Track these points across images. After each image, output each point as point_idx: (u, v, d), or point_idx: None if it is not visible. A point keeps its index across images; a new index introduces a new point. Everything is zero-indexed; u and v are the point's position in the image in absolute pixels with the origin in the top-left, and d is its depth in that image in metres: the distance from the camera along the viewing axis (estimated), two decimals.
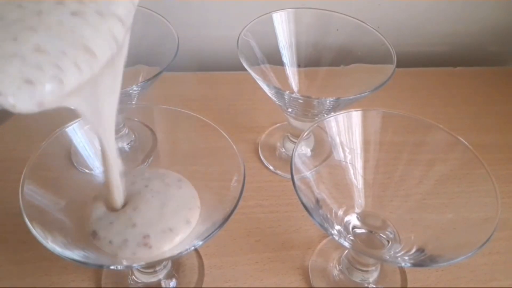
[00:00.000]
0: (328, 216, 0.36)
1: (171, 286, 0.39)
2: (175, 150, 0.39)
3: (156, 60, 0.43)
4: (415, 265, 0.31)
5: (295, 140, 0.50)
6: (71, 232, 0.31)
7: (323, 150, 0.45)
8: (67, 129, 0.34)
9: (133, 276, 0.38)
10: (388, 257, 0.36)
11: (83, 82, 0.22)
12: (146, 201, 0.33)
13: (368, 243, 0.38)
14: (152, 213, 0.32)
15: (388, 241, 0.37)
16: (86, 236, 0.32)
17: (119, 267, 0.28)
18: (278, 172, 0.49)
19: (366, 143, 0.38)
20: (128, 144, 0.48)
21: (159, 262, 0.31)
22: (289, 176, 0.34)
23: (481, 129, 0.57)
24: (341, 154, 0.39)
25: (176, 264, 0.40)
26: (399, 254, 0.35)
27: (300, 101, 0.42)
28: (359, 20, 0.46)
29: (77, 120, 0.35)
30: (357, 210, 0.39)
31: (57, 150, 0.34)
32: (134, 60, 0.46)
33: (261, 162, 0.50)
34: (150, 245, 0.30)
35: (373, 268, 0.39)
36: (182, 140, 0.38)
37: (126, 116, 0.39)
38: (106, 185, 0.31)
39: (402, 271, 0.41)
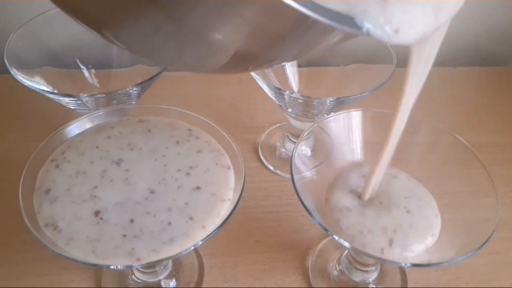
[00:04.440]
0: None
1: (171, 286, 0.39)
2: None
3: None
4: (415, 265, 0.31)
5: (295, 140, 0.50)
6: None
7: (323, 150, 0.45)
8: (66, 129, 0.34)
9: (133, 276, 0.38)
10: (388, 257, 0.36)
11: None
12: None
13: None
14: None
15: None
16: None
17: (119, 267, 0.28)
18: (278, 172, 0.49)
19: (366, 143, 0.38)
20: None
21: (159, 261, 0.31)
22: (289, 176, 0.34)
23: (481, 129, 0.57)
24: (341, 154, 0.39)
25: (176, 264, 0.40)
26: None
27: (300, 101, 0.42)
28: None
29: (77, 120, 0.35)
30: None
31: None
32: (134, 60, 0.46)
33: (261, 162, 0.50)
34: None
35: (373, 268, 0.39)
36: None
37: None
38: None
39: (402, 271, 0.41)
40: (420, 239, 0.33)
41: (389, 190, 0.36)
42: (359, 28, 0.17)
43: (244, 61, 0.23)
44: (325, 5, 0.16)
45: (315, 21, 0.15)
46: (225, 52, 0.22)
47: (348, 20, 0.17)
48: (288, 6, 0.15)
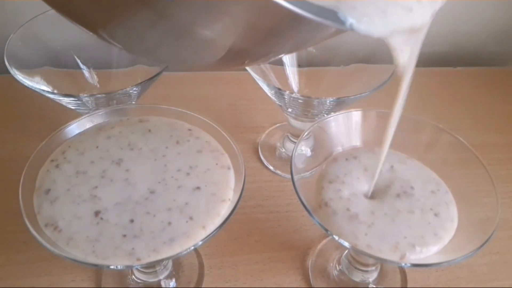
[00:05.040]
0: None
1: (171, 286, 0.39)
2: None
3: None
4: (415, 265, 0.31)
5: (295, 140, 0.50)
6: None
7: (323, 150, 0.45)
8: (66, 129, 0.34)
9: (133, 276, 0.38)
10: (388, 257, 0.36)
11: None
12: None
13: None
14: None
15: None
16: None
17: (119, 267, 0.28)
18: (278, 172, 0.49)
19: (366, 143, 0.38)
20: None
21: (159, 261, 0.31)
22: (289, 176, 0.33)
23: (481, 129, 0.57)
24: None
25: (176, 264, 0.40)
26: None
27: (300, 101, 0.42)
28: None
29: (77, 120, 0.35)
30: None
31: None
32: (134, 60, 0.46)
33: (261, 162, 0.50)
34: None
35: (373, 268, 0.39)
36: None
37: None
38: None
39: (402, 271, 0.41)
40: (439, 244, 0.30)
41: (403, 177, 0.31)
42: (342, 22, 0.17)
43: (239, 55, 0.23)
44: None
45: (300, 16, 0.15)
46: (219, 46, 0.22)
47: (330, 14, 0.17)
48: (269, 1, 0.15)
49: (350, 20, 0.17)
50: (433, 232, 0.30)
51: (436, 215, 0.31)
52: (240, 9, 0.18)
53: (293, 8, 0.15)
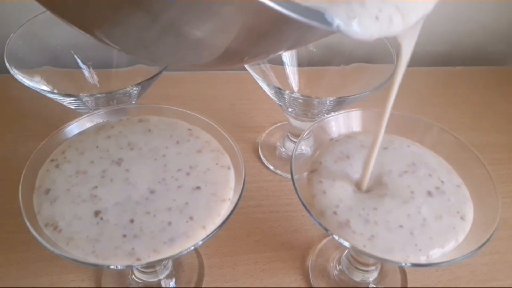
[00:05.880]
0: None
1: (171, 286, 0.39)
2: None
3: None
4: (415, 265, 0.31)
5: (295, 140, 0.50)
6: None
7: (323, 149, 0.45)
8: (66, 129, 0.34)
9: (133, 276, 0.38)
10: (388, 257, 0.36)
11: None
12: None
13: None
14: None
15: None
16: None
17: (119, 267, 0.28)
18: (278, 172, 0.49)
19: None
20: None
21: (159, 261, 0.31)
22: (289, 176, 0.33)
23: (481, 129, 0.57)
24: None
25: (176, 264, 0.40)
26: None
27: (300, 100, 0.42)
28: None
29: (77, 120, 0.35)
30: None
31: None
32: (134, 60, 0.46)
33: (261, 162, 0.50)
34: None
35: (373, 267, 0.39)
36: None
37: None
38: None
39: (402, 270, 0.41)
40: (453, 246, 0.26)
41: (427, 162, 0.27)
42: (329, 24, 0.17)
43: (237, 53, 0.24)
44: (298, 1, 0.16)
45: (288, 17, 0.15)
46: (214, 46, 0.22)
47: (317, 15, 0.17)
48: (257, 2, 0.15)
49: (337, 22, 0.17)
50: (455, 238, 0.25)
51: (462, 218, 0.25)
52: (230, 10, 0.18)
53: (279, 8, 0.15)
